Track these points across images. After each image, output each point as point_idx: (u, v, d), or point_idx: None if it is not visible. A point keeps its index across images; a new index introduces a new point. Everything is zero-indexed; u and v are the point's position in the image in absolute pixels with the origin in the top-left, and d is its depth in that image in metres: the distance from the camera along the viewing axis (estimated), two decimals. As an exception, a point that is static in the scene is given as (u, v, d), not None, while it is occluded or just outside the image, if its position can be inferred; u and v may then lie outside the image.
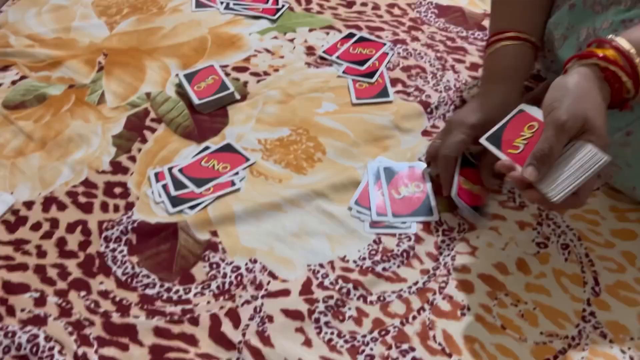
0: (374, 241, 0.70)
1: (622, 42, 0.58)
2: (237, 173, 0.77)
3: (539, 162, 0.56)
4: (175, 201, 0.74)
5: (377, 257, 0.69)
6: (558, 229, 0.70)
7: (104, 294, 0.66)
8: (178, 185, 0.75)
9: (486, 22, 1.03)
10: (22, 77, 0.94)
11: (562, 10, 0.74)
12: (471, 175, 0.74)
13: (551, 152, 0.56)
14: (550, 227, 0.70)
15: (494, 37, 0.78)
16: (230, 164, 0.78)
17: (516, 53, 0.77)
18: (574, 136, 0.57)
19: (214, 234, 0.71)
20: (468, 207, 0.70)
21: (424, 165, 0.77)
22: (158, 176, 0.77)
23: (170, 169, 0.77)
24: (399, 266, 0.68)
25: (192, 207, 0.73)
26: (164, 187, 0.75)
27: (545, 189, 0.56)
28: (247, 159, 0.79)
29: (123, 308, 0.64)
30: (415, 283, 0.66)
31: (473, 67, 0.94)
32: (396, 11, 1.07)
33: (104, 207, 0.74)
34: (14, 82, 0.93)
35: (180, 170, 0.77)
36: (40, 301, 0.65)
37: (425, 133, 0.83)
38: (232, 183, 0.76)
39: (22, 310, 0.64)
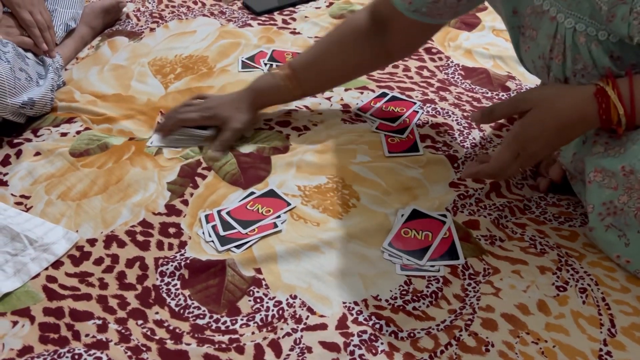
0: (405, 282, 0.76)
1: None
2: (279, 216, 0.85)
3: None
4: (224, 241, 0.81)
5: (408, 297, 0.74)
6: (576, 274, 0.75)
7: (159, 323, 0.72)
8: (226, 226, 0.83)
9: (510, 84, 1.12)
10: (86, 129, 1.04)
11: None
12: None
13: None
14: (569, 272, 0.76)
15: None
16: (272, 208, 0.86)
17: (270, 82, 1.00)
18: None
19: (258, 271, 0.78)
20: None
21: (448, 218, 0.84)
22: (208, 218, 0.85)
23: (219, 212, 0.86)
24: (428, 306, 0.73)
25: (238, 247, 0.81)
26: (214, 227, 0.83)
27: None
28: (288, 204, 0.87)
29: (176, 336, 0.71)
30: (443, 321, 0.71)
31: (498, 125, 1.01)
32: (425, 73, 1.16)
33: (160, 245, 0.82)
34: (78, 132, 1.04)
35: (228, 213, 0.85)
36: (102, 328, 0.72)
37: (452, 184, 0.90)
38: (275, 225, 0.83)
39: (87, 335, 0.71)
